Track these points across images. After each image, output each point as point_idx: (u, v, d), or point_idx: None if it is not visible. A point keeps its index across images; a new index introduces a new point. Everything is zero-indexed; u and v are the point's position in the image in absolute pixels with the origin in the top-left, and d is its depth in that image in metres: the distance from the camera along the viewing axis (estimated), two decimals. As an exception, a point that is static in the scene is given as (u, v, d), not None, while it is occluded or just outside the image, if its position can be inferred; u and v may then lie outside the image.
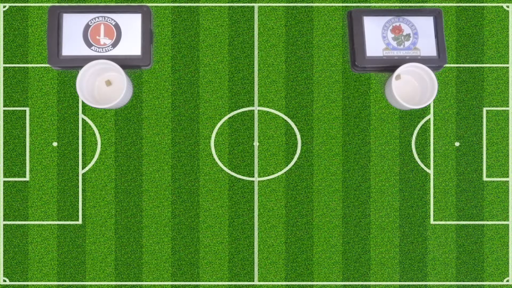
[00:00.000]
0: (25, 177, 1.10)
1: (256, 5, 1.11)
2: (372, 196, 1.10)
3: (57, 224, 1.09)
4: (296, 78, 1.11)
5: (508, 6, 1.11)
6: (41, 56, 1.10)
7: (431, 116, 1.11)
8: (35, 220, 1.09)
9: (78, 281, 1.09)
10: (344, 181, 1.10)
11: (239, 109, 1.11)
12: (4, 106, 1.10)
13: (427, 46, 1.08)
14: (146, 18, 1.07)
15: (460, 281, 1.09)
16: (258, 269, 1.09)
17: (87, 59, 1.06)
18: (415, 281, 1.09)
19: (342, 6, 1.11)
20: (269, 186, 1.10)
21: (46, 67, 1.10)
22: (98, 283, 1.09)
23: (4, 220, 1.09)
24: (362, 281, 1.09)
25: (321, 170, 1.10)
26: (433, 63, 1.07)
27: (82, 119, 1.10)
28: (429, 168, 1.10)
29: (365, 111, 1.10)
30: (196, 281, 1.09)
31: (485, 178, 1.10)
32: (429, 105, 1.11)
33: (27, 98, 1.10)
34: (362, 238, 1.10)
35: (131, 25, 1.08)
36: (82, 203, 1.10)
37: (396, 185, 1.10)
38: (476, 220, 1.10)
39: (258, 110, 1.11)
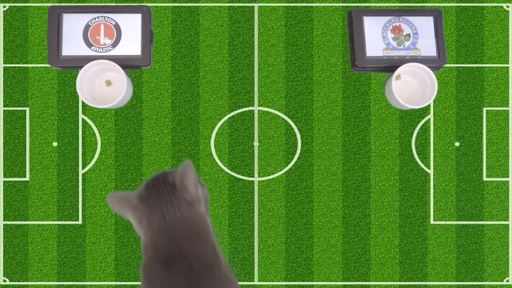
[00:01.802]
0: (25, 177, 1.09)
1: (256, 5, 1.11)
2: (372, 196, 1.10)
3: (57, 224, 1.09)
4: (296, 78, 1.10)
5: (508, 6, 1.11)
6: (41, 56, 1.10)
7: (431, 116, 1.11)
8: (35, 220, 1.09)
9: (78, 281, 1.09)
10: (344, 181, 1.10)
11: (239, 109, 1.10)
12: (4, 106, 1.10)
13: (427, 46, 1.08)
14: (146, 18, 1.07)
15: (460, 281, 1.09)
16: (258, 269, 1.09)
17: (87, 59, 1.06)
18: (415, 281, 1.09)
19: (342, 6, 1.11)
20: (269, 186, 1.10)
21: (46, 67, 1.10)
22: (98, 283, 1.09)
23: (4, 220, 1.09)
24: (362, 281, 1.09)
25: (321, 170, 1.10)
26: (433, 63, 1.07)
27: (82, 119, 1.10)
28: (429, 168, 1.10)
29: (365, 111, 1.10)
30: (196, 281, 1.09)
31: (485, 178, 1.10)
32: (429, 105, 1.11)
33: (27, 98, 1.10)
34: (362, 238, 1.10)
35: (131, 25, 1.08)
36: (82, 203, 1.09)
37: (396, 185, 1.10)
38: (476, 220, 1.10)
39: (258, 110, 1.10)
